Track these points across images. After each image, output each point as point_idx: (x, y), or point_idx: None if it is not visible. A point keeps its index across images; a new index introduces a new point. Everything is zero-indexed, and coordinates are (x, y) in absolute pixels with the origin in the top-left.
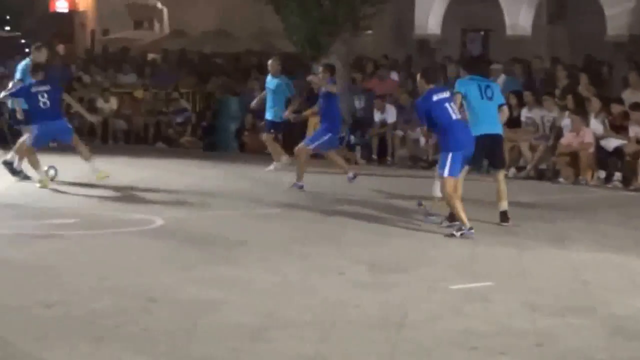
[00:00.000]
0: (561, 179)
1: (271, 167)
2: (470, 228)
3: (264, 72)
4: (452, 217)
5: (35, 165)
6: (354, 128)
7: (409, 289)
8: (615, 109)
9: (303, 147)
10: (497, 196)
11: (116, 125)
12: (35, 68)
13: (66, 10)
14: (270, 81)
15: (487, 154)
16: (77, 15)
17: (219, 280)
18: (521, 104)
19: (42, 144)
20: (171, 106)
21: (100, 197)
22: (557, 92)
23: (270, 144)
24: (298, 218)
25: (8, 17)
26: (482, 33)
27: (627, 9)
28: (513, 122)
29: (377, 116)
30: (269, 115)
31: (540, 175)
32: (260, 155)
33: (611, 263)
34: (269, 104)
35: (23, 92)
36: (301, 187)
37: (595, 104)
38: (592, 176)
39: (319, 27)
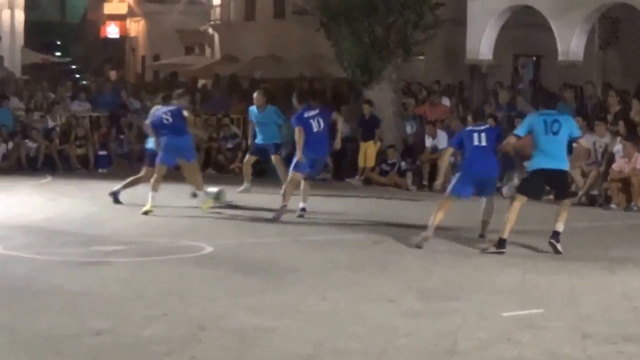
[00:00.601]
0: (613, 205)
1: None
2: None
3: (315, 98)
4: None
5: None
6: (405, 154)
7: (459, 316)
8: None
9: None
10: (556, 217)
11: None
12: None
13: (117, 36)
14: (258, 114)
15: (551, 187)
16: (128, 40)
17: (269, 308)
18: None
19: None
20: (222, 132)
21: (149, 224)
22: (610, 117)
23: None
24: (347, 244)
25: (59, 43)
26: (534, 58)
27: None
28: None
29: (428, 142)
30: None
31: (591, 202)
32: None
33: None
34: (260, 135)
35: None
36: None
37: None
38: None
39: (370, 53)
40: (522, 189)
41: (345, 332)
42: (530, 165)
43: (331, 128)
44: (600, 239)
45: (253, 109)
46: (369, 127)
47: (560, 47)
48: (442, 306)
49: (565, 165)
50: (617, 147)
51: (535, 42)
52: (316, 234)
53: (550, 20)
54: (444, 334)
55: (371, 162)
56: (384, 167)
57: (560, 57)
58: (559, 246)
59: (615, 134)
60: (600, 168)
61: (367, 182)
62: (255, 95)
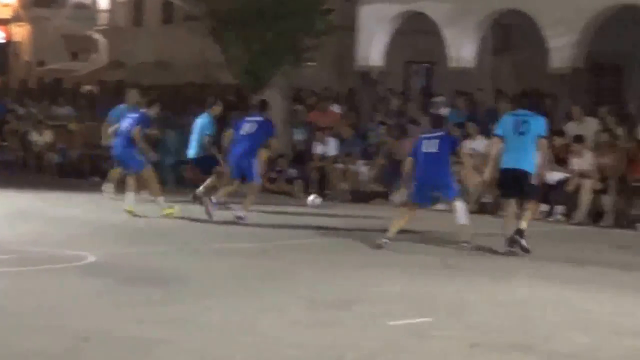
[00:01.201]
0: (504, 213)
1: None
2: (388, 240)
3: (204, 105)
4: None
5: None
6: (294, 161)
7: (348, 325)
8: (558, 141)
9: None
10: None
11: (50, 159)
12: None
13: (1, 41)
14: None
15: (513, 187)
16: (12, 45)
17: (155, 319)
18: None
19: None
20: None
21: (31, 233)
22: None
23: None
24: (236, 253)
25: None
26: (426, 65)
27: (570, 42)
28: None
29: (317, 149)
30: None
31: (482, 209)
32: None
33: (553, 298)
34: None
35: None
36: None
37: None
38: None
39: (260, 59)
40: None
41: (232, 342)
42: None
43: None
44: (489, 246)
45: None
46: None
47: (451, 54)
48: (332, 315)
49: (527, 166)
50: None
51: (427, 49)
52: (204, 243)
53: (442, 27)
54: (332, 344)
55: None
56: (272, 174)
57: (452, 64)
58: (523, 242)
59: None
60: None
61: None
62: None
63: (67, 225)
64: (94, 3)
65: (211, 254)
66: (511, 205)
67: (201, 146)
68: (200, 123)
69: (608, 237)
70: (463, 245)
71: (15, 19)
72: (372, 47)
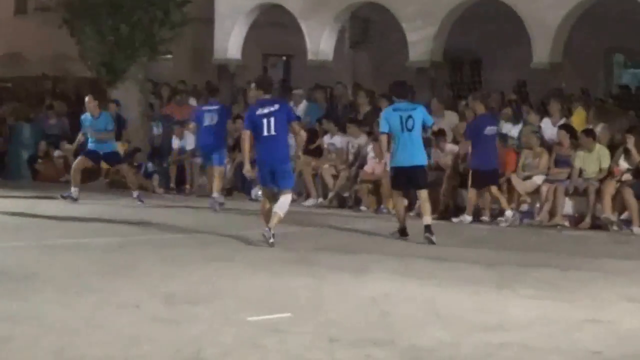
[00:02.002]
0: (363, 207)
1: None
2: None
3: (58, 97)
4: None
5: None
6: (152, 155)
7: (205, 322)
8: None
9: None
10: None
11: None
12: None
13: None
14: (95, 121)
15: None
16: None
17: (5, 316)
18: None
19: None
20: None
21: None
22: (360, 117)
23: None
24: (91, 248)
25: None
26: (284, 58)
27: (429, 35)
28: (316, 150)
29: (175, 143)
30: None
31: (341, 204)
32: (53, 184)
33: (412, 294)
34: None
35: None
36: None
37: None
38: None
39: (115, 51)
40: None
41: (86, 339)
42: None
43: None
44: (349, 242)
45: (88, 115)
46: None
47: (310, 46)
48: (187, 311)
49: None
50: (369, 148)
51: (285, 42)
52: (58, 237)
53: (299, 19)
54: (188, 340)
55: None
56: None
57: (310, 57)
58: (433, 238)
59: (368, 134)
60: (351, 169)
61: (112, 184)
62: (88, 100)
63: None
64: None
65: (64, 250)
66: (401, 197)
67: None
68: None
69: (467, 232)
70: (265, 230)
71: None
72: (230, 40)
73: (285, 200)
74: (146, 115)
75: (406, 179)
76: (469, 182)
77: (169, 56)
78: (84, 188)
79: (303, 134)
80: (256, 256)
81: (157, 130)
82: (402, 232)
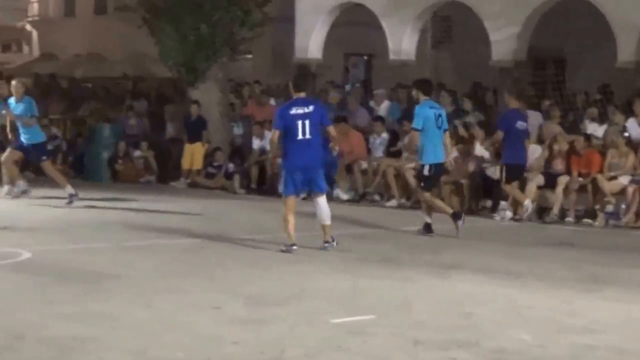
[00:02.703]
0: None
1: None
2: (293, 245)
3: (138, 97)
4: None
5: None
6: (233, 156)
7: (288, 323)
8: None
9: None
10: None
11: None
12: None
13: None
14: (17, 106)
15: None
16: None
17: (88, 316)
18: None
19: None
20: None
21: None
22: None
23: (51, 171)
24: (173, 250)
25: None
26: (365, 57)
27: (512, 35)
28: (398, 151)
29: (256, 143)
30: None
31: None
32: (133, 184)
33: (496, 295)
34: (21, 129)
35: None
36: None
37: (479, 132)
38: (478, 205)
39: (196, 51)
40: None
41: (168, 341)
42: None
43: None
44: (432, 243)
45: (12, 100)
46: (195, 129)
47: (391, 46)
48: (270, 313)
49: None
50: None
51: (366, 41)
52: (140, 239)
53: (381, 18)
54: (272, 342)
55: (198, 165)
56: (210, 169)
57: (392, 57)
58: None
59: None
60: None
61: (193, 185)
62: (14, 84)
63: (0, 221)
64: None
65: (145, 250)
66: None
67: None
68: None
69: (552, 233)
70: (325, 245)
71: None
72: (311, 39)
73: (325, 206)
74: (226, 115)
75: (438, 177)
76: (502, 178)
77: (249, 56)
78: (165, 189)
79: (336, 140)
80: (339, 257)
81: (237, 130)
82: (428, 229)
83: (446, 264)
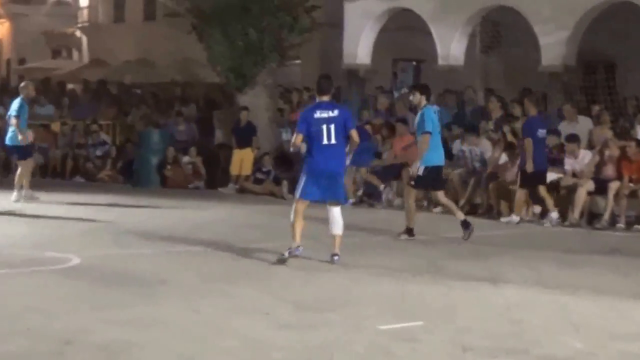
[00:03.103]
0: (494, 214)
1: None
2: (299, 246)
3: (187, 103)
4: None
5: None
6: (281, 161)
7: (336, 329)
8: (551, 140)
9: None
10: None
11: (37, 159)
12: None
13: None
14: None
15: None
16: None
17: (137, 321)
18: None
19: None
20: (90, 139)
21: (13, 234)
22: (490, 124)
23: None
24: (220, 255)
25: None
26: (414, 63)
27: (562, 39)
28: (448, 155)
29: (303, 148)
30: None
31: (473, 210)
32: (182, 190)
33: (545, 301)
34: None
35: None
36: None
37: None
38: (527, 211)
39: (244, 57)
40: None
41: (216, 346)
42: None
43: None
44: (481, 249)
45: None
46: (245, 135)
47: (440, 51)
48: (318, 318)
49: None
50: (497, 154)
51: (415, 46)
52: (188, 245)
53: (430, 23)
54: (320, 348)
55: (247, 170)
56: (259, 175)
57: (441, 62)
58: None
59: (497, 141)
60: (482, 176)
61: (241, 191)
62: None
63: (51, 226)
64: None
65: (193, 256)
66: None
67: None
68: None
69: (603, 240)
70: (334, 258)
71: None
72: (359, 45)
73: (339, 216)
74: (275, 121)
75: (434, 178)
76: (518, 182)
77: (298, 61)
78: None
79: (356, 145)
80: (388, 263)
81: (286, 136)
82: (410, 232)
83: (494, 270)
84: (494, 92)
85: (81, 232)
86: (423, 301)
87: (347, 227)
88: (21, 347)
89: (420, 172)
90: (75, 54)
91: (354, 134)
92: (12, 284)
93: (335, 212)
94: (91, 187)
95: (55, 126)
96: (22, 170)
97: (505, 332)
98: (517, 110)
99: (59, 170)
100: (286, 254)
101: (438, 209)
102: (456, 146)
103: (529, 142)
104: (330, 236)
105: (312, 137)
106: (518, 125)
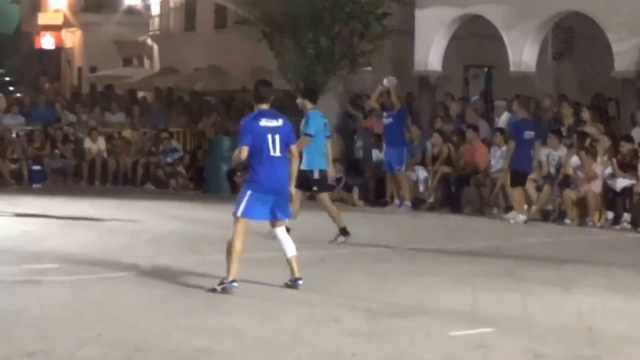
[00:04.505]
0: (567, 221)
1: None
2: (234, 281)
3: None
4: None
5: None
6: (351, 168)
7: (408, 336)
8: (624, 147)
9: None
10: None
11: (111, 166)
12: None
13: (52, 47)
14: None
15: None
16: (63, 52)
17: (208, 329)
18: None
19: None
20: (161, 146)
21: (84, 241)
22: (563, 130)
23: None
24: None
25: None
26: (486, 69)
27: (635, 45)
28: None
29: (375, 155)
30: None
31: (545, 217)
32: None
33: (619, 308)
34: None
35: None
36: None
37: (603, 142)
38: (600, 217)
39: (315, 64)
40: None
41: (288, 354)
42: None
43: None
44: (554, 255)
45: None
46: None
47: (512, 57)
48: (389, 326)
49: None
50: (573, 160)
51: (486, 53)
52: (259, 251)
53: (501, 30)
54: (391, 355)
55: None
56: (330, 181)
57: (512, 68)
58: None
59: (570, 146)
60: (555, 182)
61: (312, 197)
62: None
63: (121, 233)
64: (146, 8)
65: (264, 263)
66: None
67: None
68: None
69: None
70: (298, 283)
71: (66, 25)
72: (430, 51)
73: (286, 236)
74: (345, 128)
75: (321, 180)
76: (508, 182)
77: (369, 68)
78: None
79: (297, 160)
80: (459, 270)
81: (358, 142)
82: (345, 232)
83: (568, 277)
84: (567, 99)
85: (152, 239)
86: (495, 307)
87: (420, 234)
88: (92, 354)
89: (317, 176)
90: (146, 62)
91: (294, 149)
92: (84, 291)
93: (282, 232)
94: (162, 194)
95: (127, 133)
96: None
97: (577, 339)
98: (586, 115)
99: (129, 177)
100: (218, 288)
101: (510, 215)
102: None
103: (512, 144)
104: (287, 260)
105: (256, 149)
106: (590, 129)
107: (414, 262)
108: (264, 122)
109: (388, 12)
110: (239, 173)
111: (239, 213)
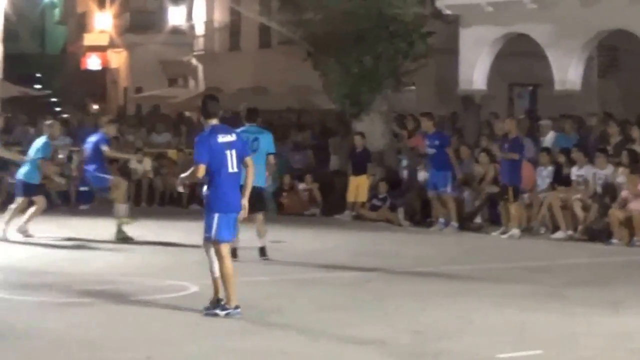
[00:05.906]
0: (614, 240)
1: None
2: (237, 307)
3: (302, 129)
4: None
5: None
6: (396, 187)
7: (454, 358)
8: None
9: None
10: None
11: (157, 186)
12: None
13: (98, 68)
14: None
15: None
16: (109, 72)
17: (252, 351)
18: (572, 161)
19: None
20: None
21: (131, 263)
22: (609, 149)
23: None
24: (337, 283)
25: (39, 75)
26: (530, 88)
27: None
28: (564, 181)
29: (421, 175)
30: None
31: (592, 236)
32: (298, 217)
33: None
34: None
35: None
36: None
37: None
38: None
39: (359, 84)
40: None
41: None
42: None
43: None
44: (601, 276)
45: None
46: (360, 161)
47: (557, 76)
48: (435, 348)
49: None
50: (620, 179)
51: (531, 71)
52: (304, 272)
53: (546, 48)
54: None
55: (363, 197)
56: (375, 202)
57: (558, 87)
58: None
59: (617, 165)
60: (603, 201)
61: (357, 217)
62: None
63: (169, 254)
64: (190, 28)
65: (309, 284)
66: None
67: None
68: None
69: None
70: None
71: (111, 45)
72: (475, 70)
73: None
74: (391, 147)
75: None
76: (510, 198)
77: (413, 87)
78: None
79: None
80: (505, 290)
81: (403, 162)
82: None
83: (615, 298)
84: (612, 117)
85: (198, 260)
86: (543, 329)
87: (466, 254)
88: None
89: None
90: (191, 82)
91: (250, 161)
92: (132, 313)
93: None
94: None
95: (172, 154)
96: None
97: None
98: (636, 134)
99: (176, 198)
100: (221, 313)
101: (558, 235)
102: (574, 171)
103: (514, 155)
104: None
105: (216, 166)
106: (637, 148)
107: (459, 283)
108: (220, 139)
109: (432, 31)
110: (284, 193)
111: (217, 238)
